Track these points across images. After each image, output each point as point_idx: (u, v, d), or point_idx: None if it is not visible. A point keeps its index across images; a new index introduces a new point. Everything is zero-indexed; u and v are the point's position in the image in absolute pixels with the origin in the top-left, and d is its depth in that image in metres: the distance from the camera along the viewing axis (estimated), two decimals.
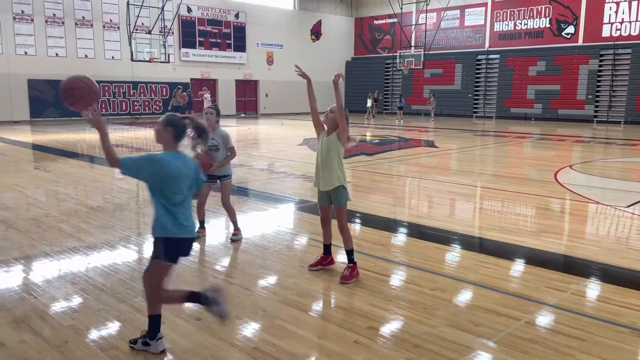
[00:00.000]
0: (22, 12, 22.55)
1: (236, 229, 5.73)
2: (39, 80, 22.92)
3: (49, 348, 3.29)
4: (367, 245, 5.48)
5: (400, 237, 6.14)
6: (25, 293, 4.19)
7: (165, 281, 3.20)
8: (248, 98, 31.35)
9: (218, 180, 5.61)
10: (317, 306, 4.03)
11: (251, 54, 30.58)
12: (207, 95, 21.53)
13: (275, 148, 15.28)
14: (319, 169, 4.54)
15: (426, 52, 28.57)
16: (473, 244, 5.87)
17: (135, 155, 3.09)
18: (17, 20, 22.45)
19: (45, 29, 23.23)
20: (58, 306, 3.97)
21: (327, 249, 4.78)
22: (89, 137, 17.67)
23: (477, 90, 30.28)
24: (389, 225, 6.59)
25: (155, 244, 3.15)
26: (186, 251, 3.27)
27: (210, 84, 29.12)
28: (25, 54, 22.80)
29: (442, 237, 5.90)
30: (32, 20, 22.83)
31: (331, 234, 4.75)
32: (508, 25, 28.85)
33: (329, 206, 4.64)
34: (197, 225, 5.78)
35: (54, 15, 23.44)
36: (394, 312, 3.85)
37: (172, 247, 3.12)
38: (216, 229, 6.16)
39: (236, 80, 30.27)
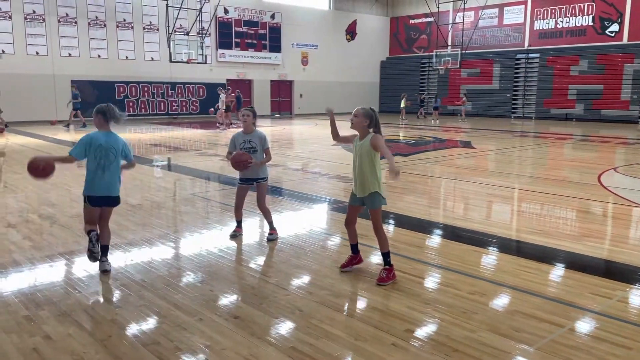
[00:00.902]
0: (67, 14, 23.31)
1: (272, 228, 5.78)
2: (82, 81, 23.62)
3: (93, 342, 3.39)
4: (402, 247, 5.43)
5: (437, 239, 6.06)
6: (70, 287, 4.33)
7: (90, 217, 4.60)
8: (282, 98, 31.55)
9: (254, 182, 5.65)
10: (354, 307, 4.01)
11: (286, 55, 30.76)
12: (223, 96, 21.69)
13: (309, 148, 15.32)
14: (355, 175, 4.56)
15: (463, 52, 28.16)
16: (512, 247, 5.75)
17: (77, 143, 4.51)
18: (61, 22, 23.23)
19: (88, 31, 23.94)
20: (101, 301, 4.09)
21: (355, 248, 4.78)
22: (128, 136, 18.14)
23: (515, 90, 29.65)
24: (425, 226, 6.51)
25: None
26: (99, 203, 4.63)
27: (246, 85, 29.44)
28: (69, 55, 23.56)
29: (480, 240, 5.80)
30: (75, 22, 23.57)
31: (356, 233, 4.76)
32: (549, 23, 28.14)
33: (358, 207, 4.65)
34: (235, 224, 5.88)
35: (97, 17, 24.14)
36: (431, 315, 3.80)
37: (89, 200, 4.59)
38: (252, 229, 6.23)
39: (271, 81, 30.51)
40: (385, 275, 4.42)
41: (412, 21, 34.50)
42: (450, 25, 30.10)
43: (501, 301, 4.14)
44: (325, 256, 5.22)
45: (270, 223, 5.79)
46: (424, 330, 3.59)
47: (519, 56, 29.27)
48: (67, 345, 3.34)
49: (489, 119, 28.10)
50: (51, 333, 3.50)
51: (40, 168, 4.41)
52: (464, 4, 27.65)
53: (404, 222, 6.63)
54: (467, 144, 16.19)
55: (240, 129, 5.70)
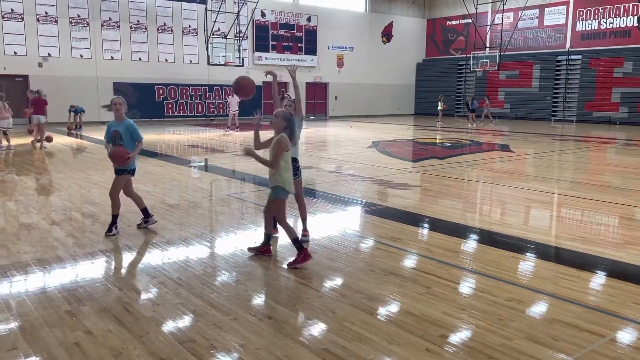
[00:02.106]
0: (110, 19, 24.03)
1: (305, 229, 5.82)
2: (123, 83, 24.33)
3: (132, 338, 3.48)
4: (438, 252, 5.37)
5: (473, 244, 5.96)
6: (110, 284, 4.46)
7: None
8: (317, 100, 31.65)
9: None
10: (387, 311, 3.99)
11: (322, 57, 30.86)
12: (235, 98, 21.89)
13: (343, 150, 15.32)
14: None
15: (502, 53, 27.63)
16: (551, 254, 5.61)
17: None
18: (104, 26, 23.95)
19: (130, 34, 24.61)
20: (139, 298, 4.19)
21: (267, 238, 5.25)
22: (167, 137, 18.54)
23: (556, 93, 28.90)
24: (461, 231, 6.42)
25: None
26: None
27: (281, 87, 29.65)
28: (112, 58, 24.26)
29: (518, 246, 5.68)
30: (118, 26, 24.26)
31: (271, 223, 5.26)
32: (591, 24, 27.33)
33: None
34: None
35: (138, 21, 24.79)
36: (466, 321, 3.75)
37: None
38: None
39: (306, 83, 30.67)
40: (297, 259, 4.89)
41: (449, 23, 34.09)
42: (488, 27, 29.60)
43: (539, 309, 4.04)
44: (358, 259, 5.21)
45: (304, 221, 5.88)
46: (459, 336, 3.55)
47: (560, 58, 28.52)
48: (107, 340, 3.44)
49: (528, 122, 27.48)
50: (92, 328, 3.61)
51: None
52: (503, 4, 27.14)
53: (439, 226, 6.56)
54: (505, 148, 15.87)
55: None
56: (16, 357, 3.22)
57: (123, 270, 4.79)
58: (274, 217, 5.87)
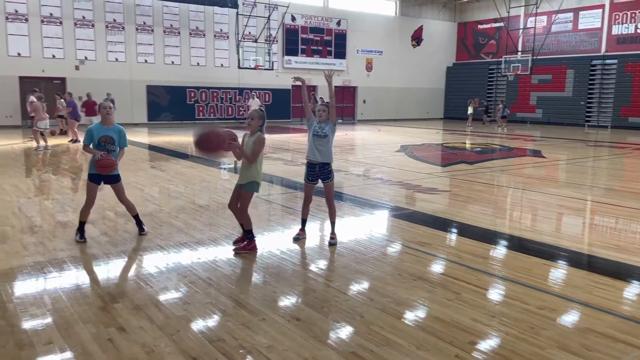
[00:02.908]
0: (144, 23, 24.56)
1: (333, 232, 5.83)
2: (156, 86, 24.84)
3: (163, 335, 3.55)
4: (467, 257, 5.31)
5: (503, 251, 5.87)
6: (142, 282, 4.55)
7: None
8: (346, 104, 31.66)
9: (319, 181, 5.78)
10: (416, 316, 3.97)
11: (351, 61, 30.87)
12: (255, 101, 22.04)
13: (371, 154, 15.28)
14: (242, 164, 5.42)
15: (534, 57, 27.15)
16: (585, 262, 5.48)
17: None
18: (139, 31, 24.49)
19: (164, 38, 25.10)
20: (170, 296, 4.27)
21: (249, 233, 5.45)
22: None
23: (590, 98, 28.24)
24: (490, 237, 6.33)
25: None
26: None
27: (310, 91, 29.78)
28: (145, 62, 24.78)
29: (550, 253, 5.57)
30: (152, 31, 24.77)
31: (237, 214, 5.54)
32: (628, 28, 26.63)
33: (239, 190, 5.45)
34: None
35: (172, 25, 25.26)
36: (497, 329, 3.70)
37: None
38: (314, 232, 6.29)
39: (335, 87, 30.67)
40: (244, 245, 5.38)
41: (480, 26, 33.69)
42: (520, 30, 29.13)
43: (572, 318, 3.96)
44: (386, 263, 5.20)
45: (333, 225, 5.89)
46: (489, 344, 3.50)
47: (594, 62, 27.87)
48: (139, 337, 3.52)
49: (561, 128, 26.91)
50: (124, 325, 3.70)
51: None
52: (536, 8, 26.67)
53: (468, 231, 6.48)
54: (536, 153, 15.58)
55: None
56: (52, 352, 3.32)
57: (154, 269, 4.89)
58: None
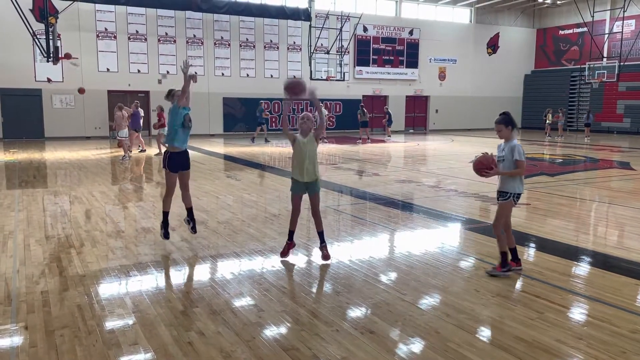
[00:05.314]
0: (222, 38, 25.56)
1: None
2: (232, 98, 25.73)
3: (240, 341, 3.63)
4: (550, 275, 5.05)
5: (588, 268, 5.53)
6: (220, 287, 4.69)
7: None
8: (417, 114, 31.26)
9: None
10: (495, 334, 3.81)
11: (423, 70, 30.48)
12: (323, 112, 21.98)
13: (445, 165, 14.94)
14: (304, 165, 5.51)
15: (621, 64, 25.55)
16: None
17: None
18: (217, 45, 25.51)
19: (239, 52, 25.98)
20: (245, 303, 4.37)
21: (292, 235, 5.60)
22: (270, 149, 19.24)
23: None
24: (574, 253, 5.98)
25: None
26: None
27: (381, 101, 29.69)
28: (222, 75, 25.75)
29: None
30: (229, 45, 25.72)
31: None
32: None
33: (302, 195, 5.61)
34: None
35: (247, 39, 26.11)
36: (584, 352, 3.47)
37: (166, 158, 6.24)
38: (381, 243, 6.21)
39: (406, 96, 30.41)
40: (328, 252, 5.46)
41: (561, 32, 32.21)
42: (606, 36, 27.54)
43: None
44: (462, 278, 5.04)
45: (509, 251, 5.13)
46: None
47: None
48: (217, 342, 3.62)
49: None
50: (203, 329, 3.82)
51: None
52: (624, 12, 25.11)
53: (549, 247, 6.16)
54: (625, 165, 14.60)
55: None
56: (137, 352, 3.49)
57: (230, 275, 5.02)
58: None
